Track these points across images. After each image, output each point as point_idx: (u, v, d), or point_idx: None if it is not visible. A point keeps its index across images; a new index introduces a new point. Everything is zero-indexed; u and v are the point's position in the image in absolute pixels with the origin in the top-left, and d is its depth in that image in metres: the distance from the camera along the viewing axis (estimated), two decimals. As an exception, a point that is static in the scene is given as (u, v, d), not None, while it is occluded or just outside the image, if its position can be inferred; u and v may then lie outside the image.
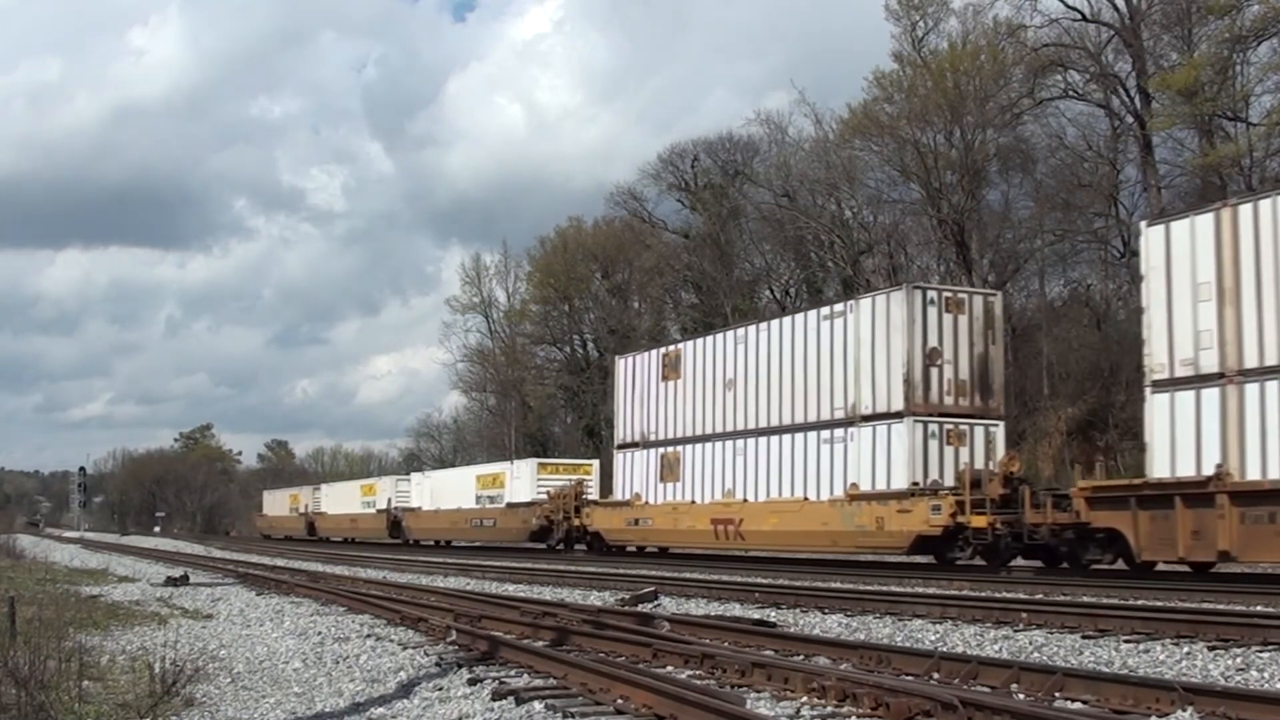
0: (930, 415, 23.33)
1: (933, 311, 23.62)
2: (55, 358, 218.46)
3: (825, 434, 25.23)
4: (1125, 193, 43.93)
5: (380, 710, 8.45)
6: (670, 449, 30.95)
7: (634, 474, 32.55)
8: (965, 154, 45.73)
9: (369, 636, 12.97)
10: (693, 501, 29.73)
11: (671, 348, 32.30)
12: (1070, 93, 43.93)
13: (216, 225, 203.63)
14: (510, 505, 42.38)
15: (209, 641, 13.38)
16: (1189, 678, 8.74)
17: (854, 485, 24.22)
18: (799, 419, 26.08)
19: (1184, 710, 7.06)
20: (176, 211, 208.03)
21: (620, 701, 7.83)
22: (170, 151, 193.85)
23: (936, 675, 8.74)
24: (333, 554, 39.14)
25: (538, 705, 7.96)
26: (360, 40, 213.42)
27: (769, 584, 18.83)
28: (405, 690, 9.21)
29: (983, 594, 15.91)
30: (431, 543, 50.76)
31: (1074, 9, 42.40)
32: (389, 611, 15.06)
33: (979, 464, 22.96)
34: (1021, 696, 7.86)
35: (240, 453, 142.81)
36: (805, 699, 7.95)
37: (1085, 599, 14.55)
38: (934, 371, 23.45)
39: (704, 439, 29.53)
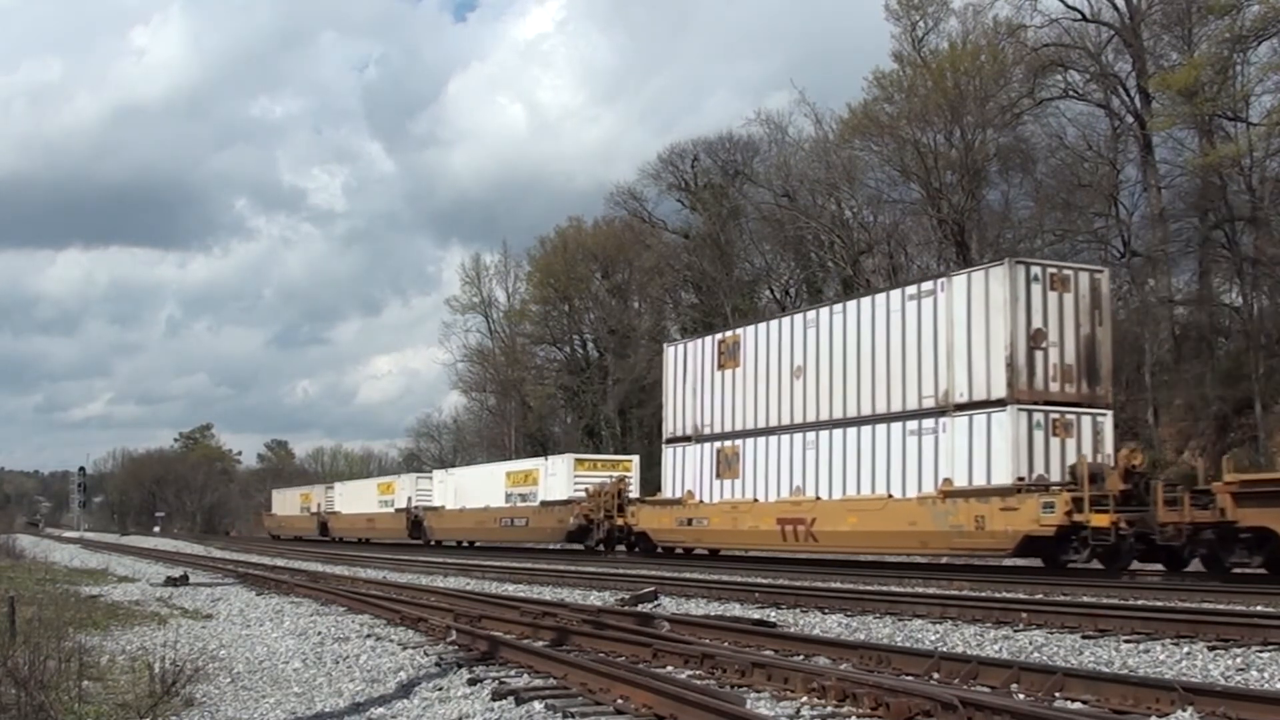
0: (1035, 403, 21.35)
1: (1036, 289, 21.66)
2: (55, 358, 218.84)
3: (912, 425, 23.26)
4: (1125, 193, 43.94)
5: (380, 710, 8.45)
6: (727, 443, 28.80)
7: (685, 470, 30.40)
8: (965, 154, 45.69)
9: (369, 636, 12.97)
10: (755, 500, 27.56)
11: (728, 334, 29.99)
12: (1070, 93, 43.95)
13: (217, 225, 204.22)
14: (545, 504, 39.99)
15: (209, 641, 13.38)
16: (1189, 678, 8.74)
17: (947, 481, 22.29)
18: (881, 409, 24.07)
19: (1184, 710, 7.06)
20: (177, 211, 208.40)
21: (620, 701, 7.83)
22: (171, 151, 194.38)
23: (936, 675, 8.73)
24: (333, 554, 39.11)
25: (538, 705, 7.97)
26: (361, 40, 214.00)
27: (769, 584, 18.80)
28: (405, 690, 9.21)
29: (983, 594, 15.91)
30: (454, 544, 48.12)
31: (1074, 9, 42.48)
32: (389, 611, 15.06)
33: (1087, 457, 21.06)
34: (1021, 696, 7.85)
35: (240, 453, 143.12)
36: (805, 699, 7.95)
37: (1085, 599, 14.54)
38: (1038, 355, 21.49)
39: (767, 432, 27.41)
